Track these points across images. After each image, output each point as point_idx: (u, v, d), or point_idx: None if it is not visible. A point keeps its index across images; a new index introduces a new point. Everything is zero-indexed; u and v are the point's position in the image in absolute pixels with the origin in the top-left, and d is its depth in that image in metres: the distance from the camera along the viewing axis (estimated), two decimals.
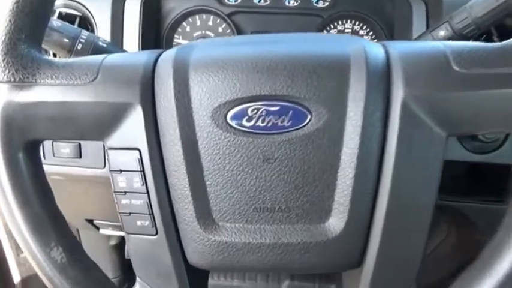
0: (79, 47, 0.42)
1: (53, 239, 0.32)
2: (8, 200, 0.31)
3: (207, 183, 0.32)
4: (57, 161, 0.59)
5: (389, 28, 0.65)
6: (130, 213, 0.33)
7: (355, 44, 0.32)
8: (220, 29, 0.66)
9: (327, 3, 0.66)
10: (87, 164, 0.59)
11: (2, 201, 0.32)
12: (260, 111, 0.31)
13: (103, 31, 0.59)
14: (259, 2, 0.66)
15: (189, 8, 0.65)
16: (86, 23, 0.61)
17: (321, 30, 0.66)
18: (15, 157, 0.31)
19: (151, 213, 0.33)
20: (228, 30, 0.66)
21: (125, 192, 0.33)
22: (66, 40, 0.42)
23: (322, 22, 0.65)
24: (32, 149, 0.33)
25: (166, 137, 0.32)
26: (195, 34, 0.66)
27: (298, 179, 0.31)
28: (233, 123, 0.31)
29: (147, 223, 0.33)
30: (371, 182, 0.31)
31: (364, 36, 0.67)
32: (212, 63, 0.31)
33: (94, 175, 0.59)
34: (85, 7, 0.59)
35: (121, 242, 0.90)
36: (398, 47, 0.32)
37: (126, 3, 0.61)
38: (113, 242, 0.93)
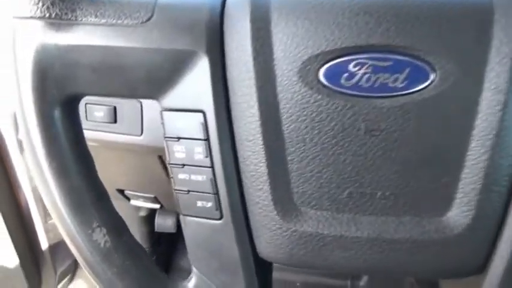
0: None
1: (96, 218, 0.26)
2: (42, 169, 0.25)
3: (289, 158, 0.25)
4: (90, 125, 0.53)
5: None
6: (188, 191, 0.27)
7: None
8: None
9: None
10: (123, 130, 0.53)
11: (35, 170, 0.26)
12: (365, 67, 0.23)
13: None
14: None
15: None
16: None
17: None
18: (50, 115, 0.25)
19: (216, 193, 0.26)
20: None
21: (183, 165, 0.27)
22: None
23: None
24: (71, 107, 0.26)
25: (239, 97, 0.25)
26: None
27: (410, 158, 0.24)
28: (327, 82, 0.24)
29: (209, 204, 0.26)
30: (511, 167, 0.23)
31: None
32: (303, 1, 0.24)
33: (130, 143, 0.53)
34: None
35: (150, 214, 0.86)
36: None
37: None
38: (142, 213, 0.89)
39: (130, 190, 0.71)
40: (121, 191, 0.71)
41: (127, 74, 0.25)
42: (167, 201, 0.71)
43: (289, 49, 0.24)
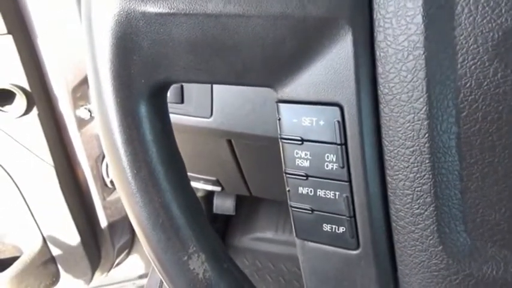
0: None
1: (192, 241, 0.20)
2: (129, 180, 0.20)
3: (468, 171, 0.17)
4: None
5: None
6: (312, 211, 0.20)
7: None
8: None
9: None
10: (191, 111, 0.47)
11: (117, 180, 0.20)
12: None
13: None
14: None
15: None
16: None
17: None
18: (136, 112, 0.19)
19: (353, 215, 0.19)
20: None
21: (307, 177, 0.20)
22: None
23: None
24: (160, 99, 0.20)
25: (396, 84, 0.17)
26: None
27: None
28: None
29: (342, 229, 0.20)
30: None
31: None
32: None
33: (197, 125, 0.48)
34: None
35: (208, 195, 0.83)
36: None
37: None
38: (200, 194, 0.86)
39: (192, 172, 0.67)
40: None
41: (237, 54, 0.18)
42: (230, 185, 0.67)
43: (482, 11, 0.16)
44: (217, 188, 0.71)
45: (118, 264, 0.93)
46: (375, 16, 0.17)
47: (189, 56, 0.19)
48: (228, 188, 0.70)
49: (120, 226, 0.86)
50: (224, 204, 0.85)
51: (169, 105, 0.50)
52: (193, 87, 0.45)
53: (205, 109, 0.46)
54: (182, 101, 0.47)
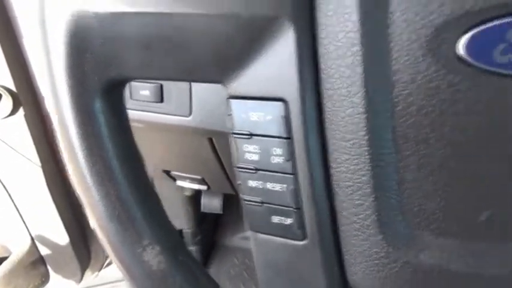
0: None
1: (147, 234, 0.21)
2: (83, 174, 0.20)
3: (403, 164, 0.18)
4: (136, 104, 0.48)
5: None
6: (262, 203, 0.21)
7: None
8: None
9: None
10: (170, 110, 0.48)
11: (74, 174, 0.21)
12: None
13: None
14: None
15: None
16: None
17: None
18: (90, 107, 0.20)
19: (299, 207, 0.20)
20: None
21: (256, 170, 0.20)
22: None
23: None
24: (115, 95, 0.21)
25: (336, 81, 0.18)
26: None
27: None
28: (471, 59, 0.17)
29: (289, 221, 0.20)
30: None
31: None
32: None
33: (177, 124, 0.48)
34: None
35: (196, 193, 0.84)
36: None
37: None
38: (187, 193, 0.87)
39: (176, 171, 0.67)
40: (167, 172, 0.68)
41: (187, 52, 0.19)
42: (215, 183, 0.67)
43: (413, 9, 0.16)
44: (203, 187, 0.71)
45: (109, 264, 0.94)
46: (316, 14, 0.18)
47: (141, 53, 0.19)
48: (213, 187, 0.70)
49: None
50: (211, 203, 0.86)
51: (149, 104, 0.51)
52: (173, 86, 0.45)
53: (184, 108, 0.46)
54: (162, 100, 0.47)
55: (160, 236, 0.22)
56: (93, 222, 0.22)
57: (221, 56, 0.19)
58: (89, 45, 0.19)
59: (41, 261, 0.78)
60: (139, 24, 0.19)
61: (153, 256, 0.21)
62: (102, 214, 0.21)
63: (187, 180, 0.72)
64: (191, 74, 0.20)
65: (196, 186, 0.73)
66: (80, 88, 0.20)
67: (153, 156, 0.62)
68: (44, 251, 0.77)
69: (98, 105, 0.20)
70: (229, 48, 0.19)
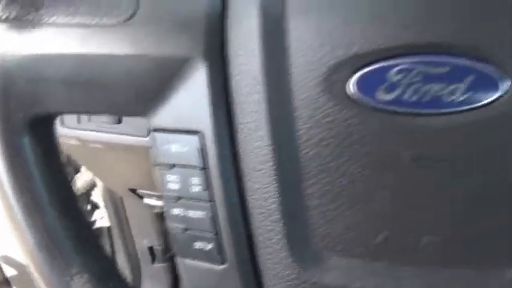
0: None
1: (76, 262, 0.22)
2: (11, 204, 0.21)
3: (308, 191, 0.19)
4: (94, 126, 0.49)
5: None
6: (184, 230, 0.22)
7: None
8: None
9: None
10: (128, 131, 0.49)
11: (3, 204, 0.22)
12: (412, 74, 0.18)
13: None
14: None
15: None
16: None
17: None
18: (17, 143, 0.21)
19: (217, 233, 0.21)
20: None
21: (178, 198, 0.22)
22: None
23: None
24: (43, 129, 0.22)
25: (245, 115, 0.20)
26: None
27: (471, 195, 0.18)
28: (360, 96, 0.18)
29: (209, 246, 0.22)
30: None
31: None
32: None
33: (136, 144, 0.49)
34: None
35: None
36: None
37: None
38: (157, 210, 0.87)
39: (142, 189, 0.67)
40: (133, 190, 0.68)
41: (107, 88, 0.20)
42: None
43: (307, 52, 0.18)
44: None
45: None
46: (227, 52, 0.20)
47: (64, 92, 0.21)
48: None
49: None
50: None
51: (108, 126, 0.52)
52: None
53: (141, 128, 0.47)
54: (119, 122, 0.48)
55: (89, 264, 0.22)
56: (23, 253, 0.22)
57: (140, 93, 0.20)
58: (12, 85, 0.20)
59: (5, 283, 0.77)
60: (59, 65, 0.20)
61: (81, 284, 0.22)
62: (31, 244, 0.22)
63: (154, 198, 0.72)
64: (115, 110, 0.21)
65: (162, 203, 0.74)
66: (6, 124, 0.21)
67: (118, 175, 0.62)
68: (9, 271, 0.75)
69: (25, 139, 0.21)
70: (147, 86, 0.20)
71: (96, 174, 0.64)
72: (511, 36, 0.17)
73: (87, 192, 0.85)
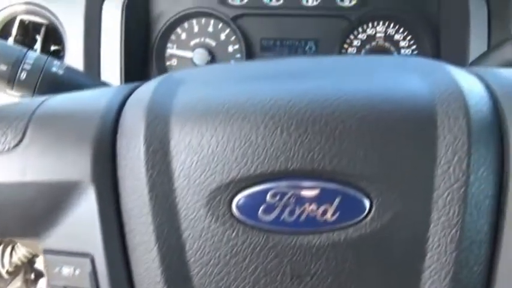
0: (23, 77, 0.30)
1: None
2: None
3: None
4: None
5: (434, 31, 0.52)
6: None
7: (440, 76, 0.20)
8: (222, 36, 0.54)
9: (354, 2, 0.53)
10: None
11: None
12: (287, 197, 0.19)
13: (75, 43, 0.47)
14: (270, 1, 0.53)
15: (184, 10, 0.53)
16: (53, 33, 0.49)
17: (347, 36, 0.53)
18: None
19: None
20: (233, 37, 0.53)
21: None
22: (3, 67, 0.30)
23: (349, 25, 0.53)
24: None
25: (135, 237, 0.20)
26: (192, 42, 0.54)
27: None
28: (242, 216, 0.19)
29: None
30: None
31: (401, 43, 0.54)
32: (208, 114, 0.19)
33: None
34: (51, 13, 0.47)
35: None
36: (505, 82, 0.20)
37: (104, 5, 0.48)
38: None
39: None
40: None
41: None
42: None
43: (193, 176, 0.19)
44: None
45: None
46: (118, 175, 0.20)
47: None
48: None
49: None
50: None
51: None
52: None
53: None
54: None
55: None
56: None
57: (30, 218, 0.20)
58: None
59: None
60: None
61: None
62: None
63: None
64: (8, 234, 0.21)
65: None
66: None
67: None
68: None
69: None
70: (36, 210, 0.20)
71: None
72: (370, 163, 0.18)
73: (31, 260, 0.80)
